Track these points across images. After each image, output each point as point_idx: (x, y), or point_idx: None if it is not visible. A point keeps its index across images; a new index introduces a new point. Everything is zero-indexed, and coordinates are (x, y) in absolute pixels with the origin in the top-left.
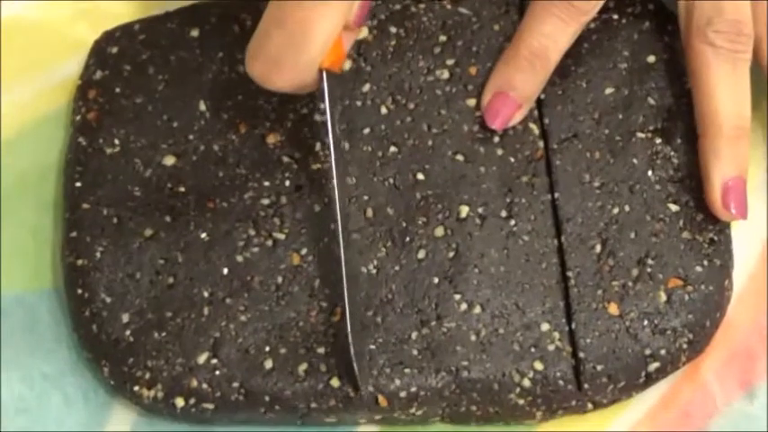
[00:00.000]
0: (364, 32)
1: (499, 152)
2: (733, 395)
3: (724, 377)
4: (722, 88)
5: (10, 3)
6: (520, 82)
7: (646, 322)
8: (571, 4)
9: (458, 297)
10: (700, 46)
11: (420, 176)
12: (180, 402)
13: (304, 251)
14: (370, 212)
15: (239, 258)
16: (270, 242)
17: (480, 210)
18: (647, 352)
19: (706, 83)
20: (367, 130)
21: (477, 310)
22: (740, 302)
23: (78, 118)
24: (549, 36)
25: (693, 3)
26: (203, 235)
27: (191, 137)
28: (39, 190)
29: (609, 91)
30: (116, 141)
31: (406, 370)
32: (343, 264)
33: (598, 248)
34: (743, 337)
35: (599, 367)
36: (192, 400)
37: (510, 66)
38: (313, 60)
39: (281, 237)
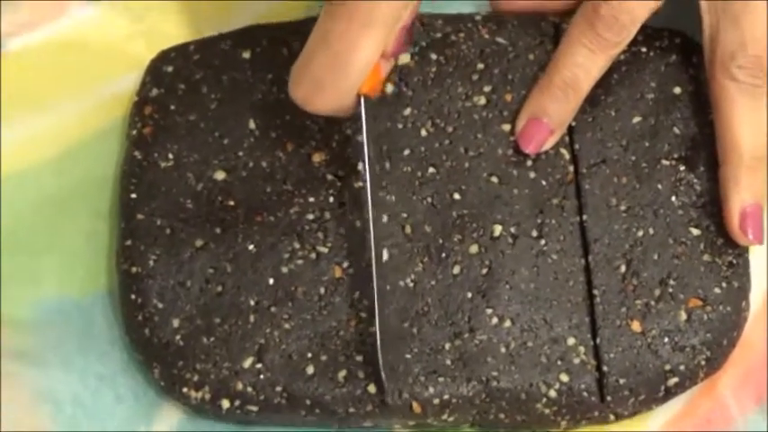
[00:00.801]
0: (406, 59)
1: (531, 175)
2: (748, 409)
3: (740, 392)
4: (743, 121)
5: (71, 22)
6: (553, 109)
7: (666, 339)
8: (601, 36)
9: (489, 311)
10: (723, 81)
11: (456, 196)
12: (225, 404)
13: (345, 264)
14: (408, 229)
15: (284, 269)
16: (313, 255)
17: (513, 229)
18: (667, 367)
19: (728, 115)
20: (407, 152)
21: (508, 323)
22: (756, 322)
23: (134, 132)
24: (581, 66)
25: (717, 36)
26: (251, 247)
27: (240, 153)
28: (96, 199)
29: (636, 120)
30: (170, 156)
31: (440, 378)
32: (374, 280)
33: (623, 268)
34: (758, 355)
35: (621, 381)
36: (237, 402)
37: (544, 94)
38: (352, 86)
39: (325, 250)
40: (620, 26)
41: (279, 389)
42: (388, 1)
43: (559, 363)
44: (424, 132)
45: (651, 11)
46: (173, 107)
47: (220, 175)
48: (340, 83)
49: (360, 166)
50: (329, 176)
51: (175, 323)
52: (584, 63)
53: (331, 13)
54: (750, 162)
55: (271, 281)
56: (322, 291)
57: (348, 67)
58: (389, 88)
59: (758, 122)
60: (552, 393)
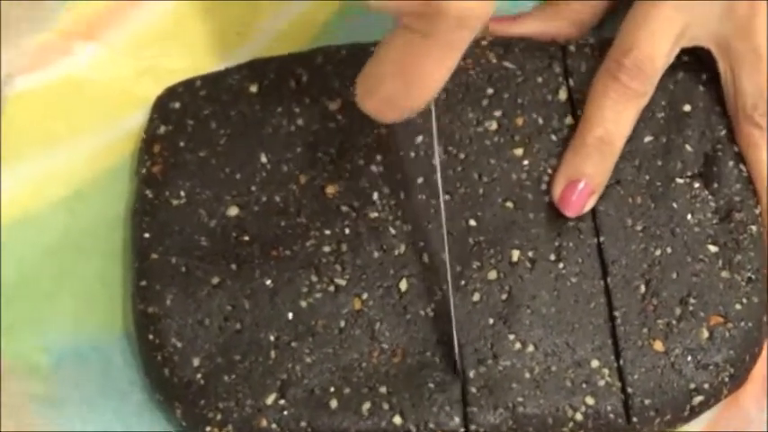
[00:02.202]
0: None
1: (547, 199)
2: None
3: (762, 402)
4: None
5: (76, 61)
6: (590, 170)
7: (689, 358)
8: (628, 87)
9: (512, 337)
10: (748, 129)
11: (472, 223)
12: None
13: (365, 296)
14: (426, 258)
15: (303, 304)
16: (332, 288)
17: (530, 254)
18: (692, 386)
19: (757, 161)
20: (420, 180)
21: (531, 348)
22: None
23: (144, 171)
24: (611, 121)
25: (735, 84)
26: (268, 282)
27: (253, 188)
28: (108, 239)
29: (648, 139)
30: (181, 193)
31: (465, 407)
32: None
33: (642, 289)
34: None
35: (647, 401)
36: None
37: (579, 155)
38: (426, 102)
39: (343, 283)
40: (644, 76)
41: (303, 424)
42: (463, 32)
43: (584, 386)
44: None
45: (669, 58)
46: (182, 144)
47: (233, 211)
48: (415, 103)
49: (375, 197)
50: (344, 208)
51: (195, 362)
52: (614, 117)
53: (409, 41)
54: None
55: (290, 316)
56: (342, 324)
57: (424, 91)
58: None
59: None
60: (579, 417)
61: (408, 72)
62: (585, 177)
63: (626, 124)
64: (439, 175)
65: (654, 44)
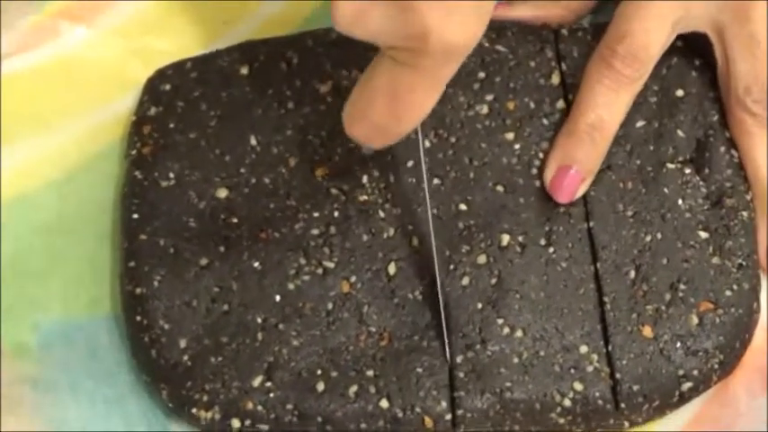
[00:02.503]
0: None
1: (537, 183)
2: (756, 395)
3: (752, 389)
4: (764, 153)
5: (66, 43)
6: (581, 155)
7: (679, 344)
8: (621, 74)
9: (500, 321)
10: (740, 114)
11: (462, 207)
12: (236, 424)
13: (353, 279)
14: (415, 242)
15: (291, 286)
16: (320, 270)
17: (520, 238)
18: (681, 372)
19: (749, 148)
20: (411, 163)
21: (519, 333)
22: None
23: (134, 152)
24: (604, 106)
25: (729, 69)
26: (256, 264)
27: (242, 170)
28: (98, 221)
29: (640, 124)
30: (171, 175)
31: (453, 392)
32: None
33: (632, 274)
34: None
35: (635, 387)
36: (248, 422)
37: (570, 140)
38: (416, 125)
39: (331, 265)
40: (638, 63)
41: (290, 407)
42: (451, 64)
43: (573, 371)
44: (427, 143)
45: (665, 45)
46: (172, 125)
47: (223, 193)
48: (404, 129)
49: (364, 179)
50: (333, 191)
51: (182, 343)
52: (606, 103)
53: (397, 72)
54: None
55: (277, 298)
56: (330, 306)
57: (413, 119)
58: None
59: None
60: (567, 402)
61: (396, 102)
62: (576, 163)
63: (619, 111)
64: (423, 160)
65: (649, 31)
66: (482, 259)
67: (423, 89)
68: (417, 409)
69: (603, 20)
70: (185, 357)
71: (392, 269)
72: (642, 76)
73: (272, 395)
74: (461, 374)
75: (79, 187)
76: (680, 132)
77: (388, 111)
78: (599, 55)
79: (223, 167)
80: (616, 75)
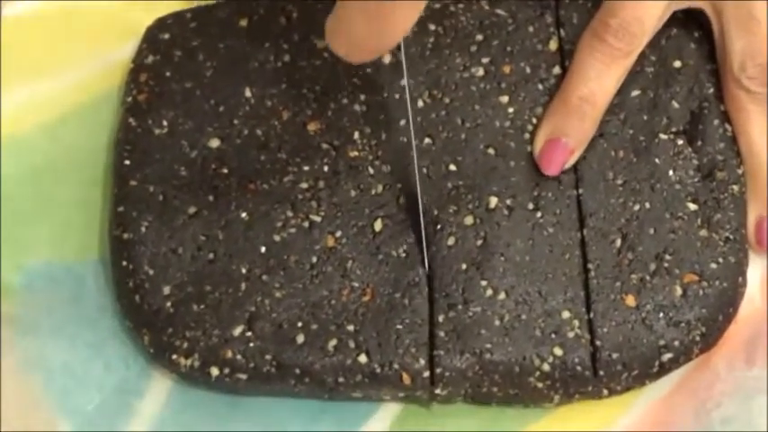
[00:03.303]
0: None
1: (529, 148)
2: (736, 368)
3: (733, 363)
4: (758, 130)
5: None
6: (571, 128)
7: (661, 314)
8: (613, 47)
9: (484, 283)
10: (735, 90)
11: (452, 167)
12: (215, 372)
13: (339, 233)
14: (402, 199)
15: (277, 238)
16: (306, 224)
17: (509, 201)
18: (662, 343)
19: (743, 124)
20: (403, 122)
21: (502, 296)
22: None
23: (129, 99)
24: (595, 80)
25: (726, 44)
26: (243, 215)
27: (235, 121)
28: (90, 166)
29: (635, 93)
30: (164, 123)
31: (432, 351)
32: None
33: (618, 243)
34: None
35: (614, 355)
36: (227, 370)
37: (560, 112)
38: (397, 42)
39: (318, 219)
40: (630, 35)
41: (268, 357)
42: None
43: (553, 336)
44: (420, 103)
45: (661, 20)
46: (168, 74)
47: (215, 143)
48: (384, 45)
49: (356, 136)
50: (324, 145)
51: (166, 290)
52: (598, 77)
53: None
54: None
55: (263, 249)
56: (314, 260)
57: (394, 34)
58: (387, 58)
59: None
60: (546, 367)
61: (377, 16)
62: (566, 136)
63: (610, 84)
64: (410, 118)
65: (644, 6)
66: (469, 220)
67: (404, 5)
68: (395, 366)
69: None
70: (168, 304)
71: (378, 226)
72: (635, 50)
73: (251, 345)
74: (442, 333)
75: (73, 132)
76: (675, 103)
77: (368, 25)
78: (592, 28)
79: (216, 118)
80: (609, 48)
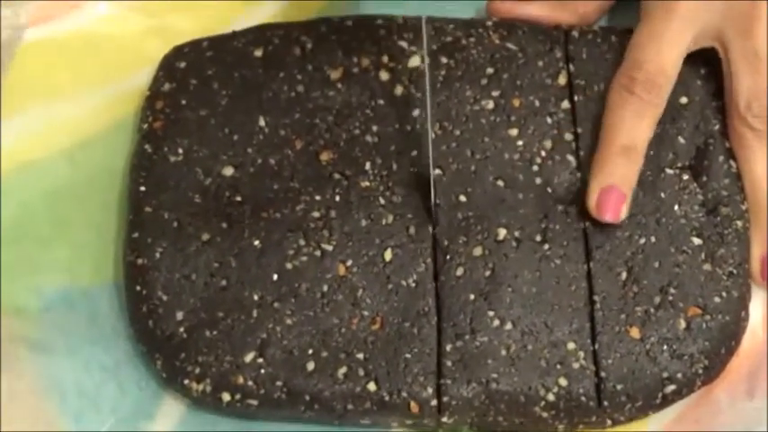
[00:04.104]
0: (416, 61)
1: (537, 180)
2: (737, 400)
3: (734, 395)
4: (761, 167)
5: (88, 16)
6: (620, 174)
7: (665, 347)
8: (643, 100)
9: (491, 313)
10: (741, 128)
11: (462, 198)
12: (226, 397)
13: (350, 262)
14: (412, 230)
15: (289, 266)
16: (318, 252)
17: (517, 233)
18: (665, 375)
19: (747, 161)
20: (414, 153)
21: (509, 326)
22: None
23: (145, 126)
24: (632, 129)
25: (732, 83)
26: (256, 242)
27: (249, 150)
28: (106, 191)
29: None
30: (179, 150)
31: (440, 380)
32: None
33: (624, 275)
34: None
35: (619, 386)
36: (238, 396)
37: (607, 163)
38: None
39: (329, 248)
40: (658, 88)
41: (279, 383)
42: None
43: (559, 367)
44: (431, 134)
45: (680, 66)
46: (184, 102)
47: (229, 171)
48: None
49: (367, 166)
50: (336, 175)
51: (179, 316)
52: (633, 127)
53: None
54: None
55: (275, 277)
56: (325, 288)
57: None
58: (399, 90)
59: None
60: (551, 397)
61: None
62: (617, 182)
63: (646, 130)
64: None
65: (664, 57)
66: (478, 251)
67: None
68: (404, 394)
69: (614, 23)
70: (181, 329)
71: (388, 255)
72: (663, 100)
73: (262, 371)
74: (449, 363)
75: (91, 156)
76: (681, 139)
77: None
78: (619, 83)
79: (231, 146)
80: (639, 100)
